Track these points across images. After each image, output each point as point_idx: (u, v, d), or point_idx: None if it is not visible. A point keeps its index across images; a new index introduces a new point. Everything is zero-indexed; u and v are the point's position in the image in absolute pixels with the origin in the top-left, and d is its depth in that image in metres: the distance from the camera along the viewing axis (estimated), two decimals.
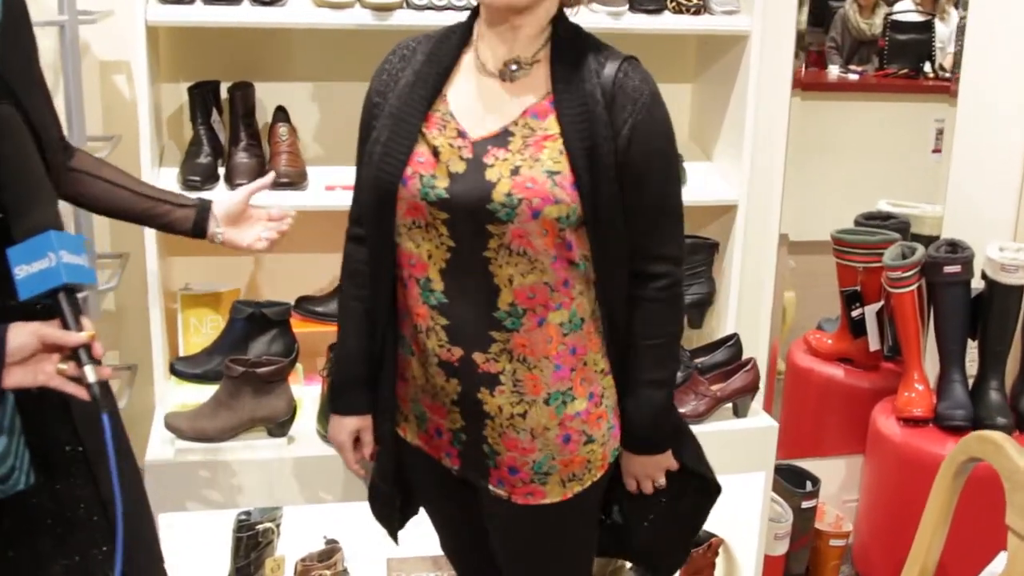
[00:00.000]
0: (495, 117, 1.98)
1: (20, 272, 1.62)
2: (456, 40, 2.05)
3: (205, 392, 2.71)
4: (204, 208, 2.17)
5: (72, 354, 1.63)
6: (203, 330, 2.96)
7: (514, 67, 1.99)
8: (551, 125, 1.96)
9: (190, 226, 2.16)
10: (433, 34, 2.09)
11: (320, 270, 3.00)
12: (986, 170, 3.54)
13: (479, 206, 1.92)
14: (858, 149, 3.87)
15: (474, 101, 2.01)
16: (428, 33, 2.10)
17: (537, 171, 1.92)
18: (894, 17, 3.88)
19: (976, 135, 3.52)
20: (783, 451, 3.72)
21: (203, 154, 2.82)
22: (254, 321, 2.76)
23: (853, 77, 3.96)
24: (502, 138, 1.96)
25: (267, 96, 3.03)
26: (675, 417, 2.24)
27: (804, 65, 3.91)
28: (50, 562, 1.83)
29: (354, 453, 2.26)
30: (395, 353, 2.13)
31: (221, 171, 2.85)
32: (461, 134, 1.97)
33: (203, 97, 2.89)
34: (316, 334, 2.89)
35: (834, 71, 3.96)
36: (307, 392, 2.83)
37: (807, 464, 3.59)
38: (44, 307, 1.66)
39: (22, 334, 1.61)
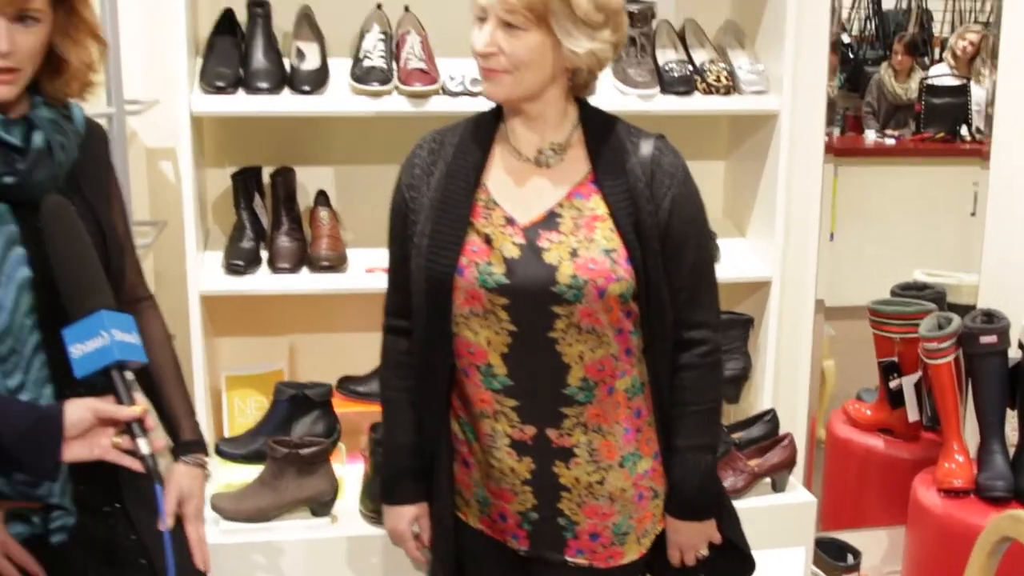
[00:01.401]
0: (539, 201, 2.04)
1: (75, 351, 1.68)
2: (486, 129, 2.11)
3: (250, 472, 2.76)
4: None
5: (126, 428, 1.69)
6: (247, 411, 3.03)
7: (550, 153, 2.06)
8: (598, 205, 2.03)
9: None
10: (458, 125, 2.15)
11: (361, 350, 3.02)
12: (1021, 237, 3.54)
13: (544, 289, 1.98)
14: (897, 213, 3.89)
15: (514, 187, 2.07)
16: (451, 125, 2.16)
17: (595, 251, 1.99)
18: (929, 81, 3.90)
19: (1010, 200, 3.53)
20: (825, 522, 3.73)
21: (246, 238, 2.90)
22: (297, 402, 2.81)
23: (890, 142, 3.98)
24: (551, 221, 2.02)
25: (307, 180, 3.11)
26: (719, 485, 2.27)
27: (841, 130, 3.96)
28: None
29: (414, 541, 2.28)
30: (450, 440, 2.17)
31: (264, 255, 2.92)
32: (509, 221, 2.03)
33: (245, 183, 2.97)
34: (358, 413, 2.94)
35: (871, 136, 3.99)
36: (350, 471, 2.87)
37: (849, 536, 3.57)
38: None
39: (79, 409, 1.67)
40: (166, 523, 1.83)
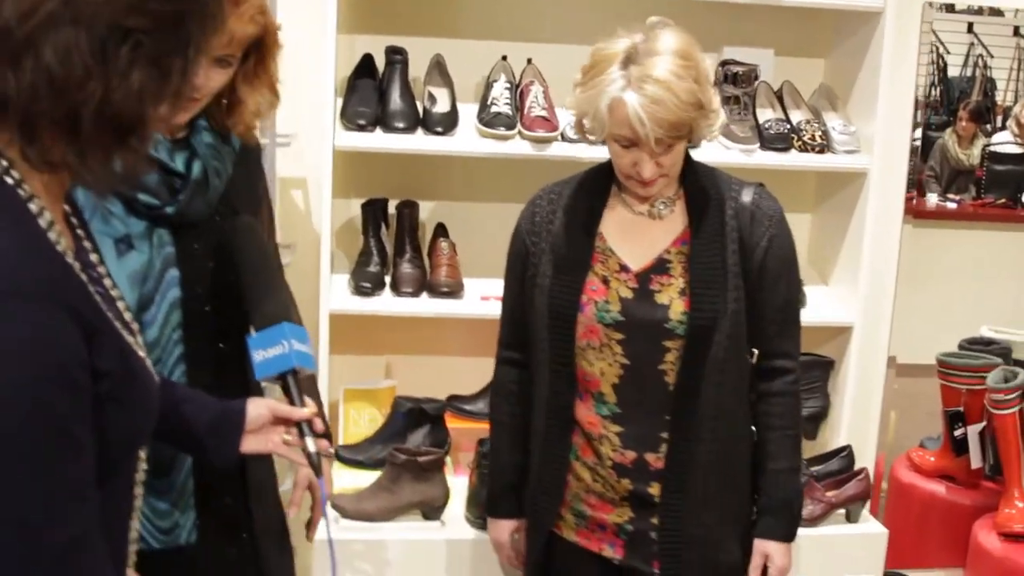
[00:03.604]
0: (650, 249, 2.29)
1: (258, 356, 1.90)
2: (602, 184, 2.35)
3: (364, 477, 3.01)
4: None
5: (296, 427, 1.90)
6: (361, 422, 3.27)
7: (662, 206, 2.31)
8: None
9: None
10: (572, 179, 2.41)
11: (471, 372, 3.28)
12: None
13: (658, 325, 2.22)
14: (956, 275, 4.05)
15: (628, 236, 2.32)
16: (566, 179, 2.41)
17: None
18: (992, 148, 4.06)
19: None
20: (886, 563, 3.90)
21: (372, 264, 3.17)
22: (413, 415, 3.06)
23: (951, 205, 4.16)
24: (661, 267, 2.27)
25: (426, 213, 3.38)
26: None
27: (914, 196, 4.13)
28: None
29: (512, 551, 2.54)
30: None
31: (387, 279, 3.19)
32: (623, 267, 2.28)
33: (374, 213, 3.24)
34: (465, 430, 3.18)
35: (932, 199, 4.14)
36: (456, 483, 3.09)
37: (910, 574, 3.75)
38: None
39: (258, 407, 1.90)
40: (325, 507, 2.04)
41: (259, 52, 2.01)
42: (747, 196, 2.30)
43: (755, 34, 3.39)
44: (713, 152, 3.08)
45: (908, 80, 3.51)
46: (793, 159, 3.18)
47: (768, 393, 2.35)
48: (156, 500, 1.99)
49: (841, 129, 3.23)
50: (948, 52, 4.11)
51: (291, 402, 1.91)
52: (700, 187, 2.31)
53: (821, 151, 3.19)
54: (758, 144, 3.15)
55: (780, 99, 3.35)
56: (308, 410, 1.90)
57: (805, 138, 3.19)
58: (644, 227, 2.31)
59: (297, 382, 1.91)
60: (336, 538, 2.84)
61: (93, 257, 1.50)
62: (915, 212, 3.76)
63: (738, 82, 3.16)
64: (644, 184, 2.21)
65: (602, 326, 2.25)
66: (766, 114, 3.26)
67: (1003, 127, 4.09)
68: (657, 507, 2.29)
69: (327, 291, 3.06)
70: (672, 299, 2.23)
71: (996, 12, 3.95)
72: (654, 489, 2.29)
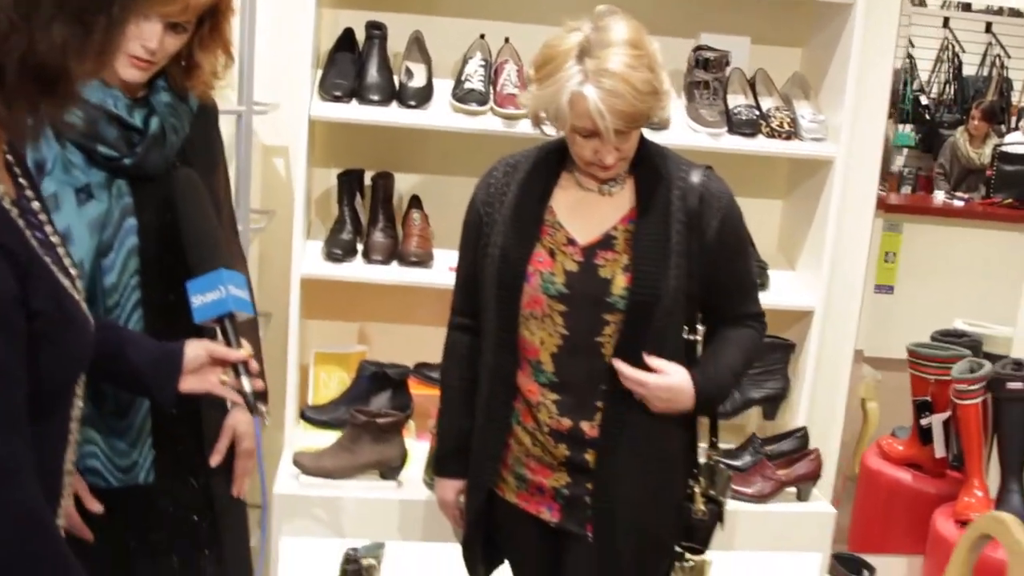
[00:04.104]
0: (598, 225, 2.36)
1: (196, 301, 1.99)
2: (555, 159, 2.43)
3: (328, 437, 3.11)
4: None
5: (232, 368, 1.99)
6: (331, 384, 3.37)
7: (612, 183, 2.38)
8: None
9: None
10: (528, 152, 2.48)
11: (438, 340, 3.35)
12: None
13: (599, 299, 2.30)
14: (959, 273, 4.08)
15: (577, 211, 2.39)
16: (523, 152, 2.49)
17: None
18: (1003, 148, 4.09)
19: None
20: (851, 545, 3.98)
21: (346, 231, 3.26)
22: (377, 379, 3.16)
23: (958, 203, 4.19)
24: (607, 242, 2.34)
25: (402, 184, 3.47)
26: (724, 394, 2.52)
27: (912, 189, 4.16)
28: (163, 556, 2.18)
29: (457, 510, 2.62)
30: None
31: (359, 247, 3.28)
32: (570, 241, 2.35)
33: (350, 183, 3.33)
34: (430, 396, 3.26)
35: (940, 196, 4.20)
36: (417, 446, 3.19)
37: (870, 558, 3.81)
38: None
39: (196, 348, 1.99)
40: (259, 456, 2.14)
41: (214, 18, 2.10)
42: (696, 177, 2.37)
43: (733, 22, 3.45)
44: (681, 135, 3.16)
45: (884, 73, 3.56)
46: (760, 144, 3.25)
47: (737, 326, 2.45)
48: (116, 440, 2.10)
49: (810, 117, 3.30)
50: (964, 51, 4.14)
51: (228, 344, 2.00)
52: (650, 167, 2.38)
53: (788, 138, 3.26)
54: (726, 129, 3.22)
55: (752, 86, 3.41)
56: (244, 351, 2.00)
57: (773, 124, 3.26)
58: (594, 203, 2.38)
59: (234, 325, 2.00)
60: (295, 493, 2.99)
61: (35, 204, 1.59)
62: (886, 207, 3.80)
63: (709, 67, 3.23)
64: (605, 169, 2.29)
65: (546, 297, 2.33)
66: (737, 100, 3.33)
67: (1016, 127, 4.12)
68: (592, 473, 2.37)
69: (300, 256, 3.15)
70: (615, 274, 2.30)
71: (1016, 13, 3.97)
72: (590, 456, 2.37)
